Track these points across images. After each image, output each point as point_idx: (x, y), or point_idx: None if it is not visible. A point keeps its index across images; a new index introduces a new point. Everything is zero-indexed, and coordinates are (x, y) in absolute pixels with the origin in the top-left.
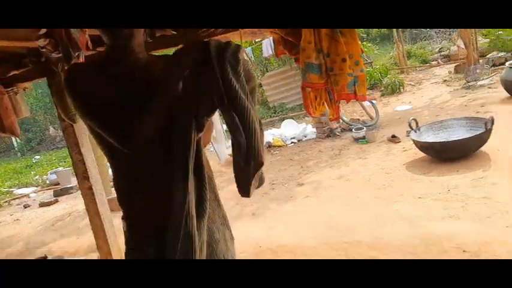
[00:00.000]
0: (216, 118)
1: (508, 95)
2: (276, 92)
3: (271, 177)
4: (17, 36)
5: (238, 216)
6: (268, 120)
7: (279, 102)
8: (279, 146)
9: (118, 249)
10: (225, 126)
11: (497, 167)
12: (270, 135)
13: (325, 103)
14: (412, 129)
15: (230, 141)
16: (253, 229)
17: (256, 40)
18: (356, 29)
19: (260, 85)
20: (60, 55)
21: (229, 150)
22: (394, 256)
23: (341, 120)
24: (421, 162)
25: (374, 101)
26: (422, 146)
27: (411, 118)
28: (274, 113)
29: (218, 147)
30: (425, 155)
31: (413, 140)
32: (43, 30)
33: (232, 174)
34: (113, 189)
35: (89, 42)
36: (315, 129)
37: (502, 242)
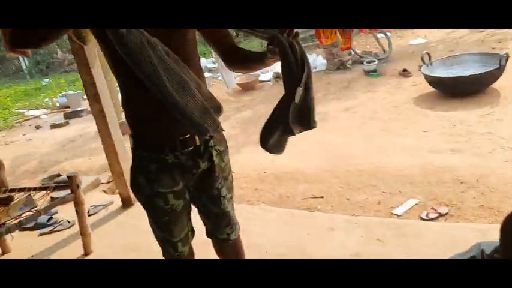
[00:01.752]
0: None
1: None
2: None
3: None
4: None
5: (245, 144)
6: None
7: None
8: None
9: (128, 169)
10: None
11: (505, 103)
12: (277, 66)
13: (337, 32)
14: (425, 63)
15: None
16: (258, 156)
17: None
18: None
19: None
20: None
21: (238, 79)
22: (393, 184)
23: (352, 52)
24: (430, 97)
25: (388, 34)
26: (433, 81)
27: (424, 52)
28: None
29: (226, 75)
30: (434, 90)
31: (425, 75)
32: None
33: (240, 104)
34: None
35: None
36: (325, 61)
37: (500, 174)
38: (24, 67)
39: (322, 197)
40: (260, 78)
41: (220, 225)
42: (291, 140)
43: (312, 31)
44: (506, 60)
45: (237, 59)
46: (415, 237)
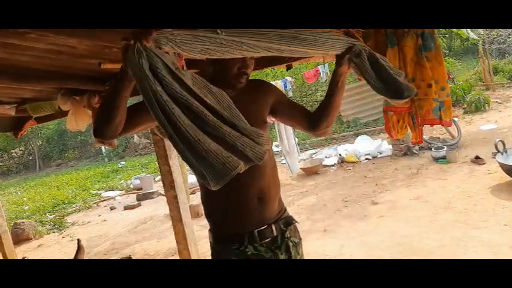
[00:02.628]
0: (290, 131)
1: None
2: (350, 106)
3: (344, 193)
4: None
5: (310, 231)
6: (342, 135)
7: (352, 117)
8: (353, 162)
9: (197, 255)
10: (297, 139)
11: None
12: (343, 151)
13: (407, 126)
14: (499, 151)
15: (301, 154)
16: (325, 245)
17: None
18: (441, 53)
19: None
20: None
21: (301, 164)
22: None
23: None
24: (508, 186)
25: (456, 119)
26: (510, 170)
27: (498, 140)
28: (348, 127)
29: (290, 159)
30: None
31: (500, 163)
32: None
33: (303, 189)
34: (192, 196)
35: (185, 67)
36: (390, 146)
37: None
38: (103, 150)
39: None
40: (324, 163)
41: None
42: (361, 229)
43: (376, 116)
44: None
45: (318, 117)
46: None
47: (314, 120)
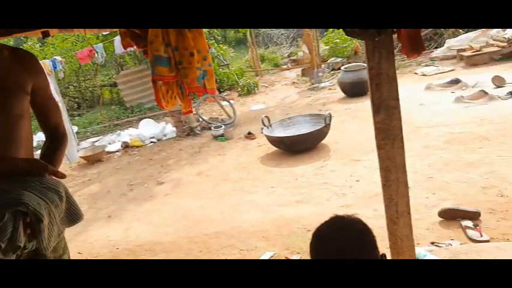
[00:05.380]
0: (65, 118)
1: (344, 95)
2: (132, 91)
3: (129, 178)
4: None
5: (93, 220)
6: (126, 121)
7: (136, 102)
8: (138, 146)
9: None
10: (75, 128)
11: (335, 156)
12: (127, 136)
13: (176, 97)
14: (265, 125)
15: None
16: (109, 231)
17: (104, 33)
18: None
19: (115, 84)
20: None
21: (82, 152)
22: (250, 241)
23: (200, 119)
24: (273, 155)
25: (232, 101)
26: (274, 141)
27: (263, 116)
28: (132, 113)
29: (68, 148)
30: (277, 148)
31: (266, 136)
32: None
33: (85, 178)
34: None
35: None
36: (174, 128)
37: None
38: None
39: None
40: (107, 150)
41: None
42: (146, 210)
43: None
44: (330, 119)
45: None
46: None
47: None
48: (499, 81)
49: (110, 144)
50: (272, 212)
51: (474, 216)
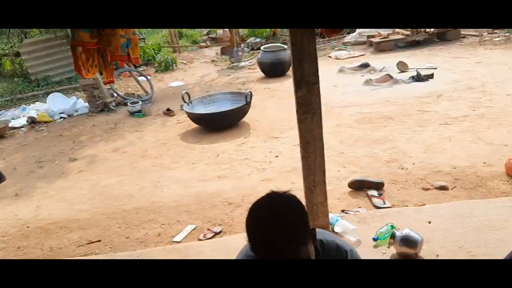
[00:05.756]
0: None
1: (263, 74)
2: (38, 62)
3: (37, 154)
4: None
5: None
6: (31, 95)
7: (43, 75)
8: (46, 122)
9: None
10: None
11: (255, 133)
12: (33, 111)
13: (97, 65)
14: (185, 102)
15: None
16: (18, 210)
17: None
18: None
19: (18, 54)
20: None
21: None
22: (171, 215)
23: (115, 94)
24: (194, 132)
25: (149, 77)
26: (195, 117)
27: (184, 92)
28: (38, 86)
29: None
30: (197, 126)
31: (187, 112)
32: None
33: None
34: None
35: None
36: (87, 104)
37: (259, 192)
38: None
39: (99, 240)
40: (11, 125)
41: None
42: (59, 187)
43: (69, 74)
44: (251, 97)
45: None
46: (196, 256)
47: None
48: (402, 67)
49: (13, 119)
50: (193, 187)
51: (378, 186)
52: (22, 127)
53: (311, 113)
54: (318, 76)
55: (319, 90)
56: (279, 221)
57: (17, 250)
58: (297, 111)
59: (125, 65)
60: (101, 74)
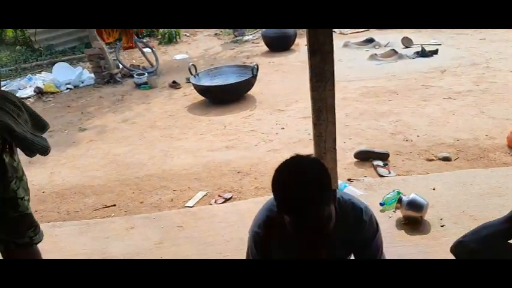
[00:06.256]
0: None
1: (267, 48)
2: (41, 30)
3: None
4: None
5: None
6: (35, 64)
7: (46, 44)
8: (53, 93)
9: None
10: None
11: (261, 106)
12: (39, 81)
13: (118, 30)
14: (192, 74)
15: None
16: (32, 176)
17: None
18: None
19: None
20: None
21: None
22: (183, 183)
23: (121, 66)
24: (200, 105)
25: (154, 49)
26: (202, 89)
27: (191, 63)
28: (41, 55)
29: None
30: (204, 98)
31: (194, 84)
32: None
33: None
34: None
35: None
36: (93, 75)
37: (266, 162)
38: None
39: (114, 205)
40: (18, 95)
41: (20, 229)
42: (71, 155)
43: (73, 43)
44: (257, 70)
45: None
46: (209, 218)
47: None
48: (407, 42)
49: (20, 89)
50: (202, 156)
51: (384, 157)
52: (29, 97)
53: (324, 81)
54: (332, 45)
55: (333, 59)
56: (304, 182)
57: (35, 214)
58: (311, 79)
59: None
60: (120, 40)
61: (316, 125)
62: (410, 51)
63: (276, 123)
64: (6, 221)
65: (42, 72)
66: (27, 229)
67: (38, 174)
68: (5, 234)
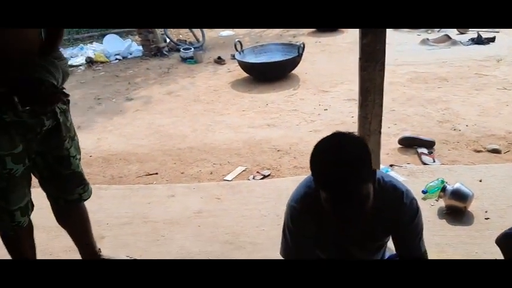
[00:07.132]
0: None
1: (314, 28)
2: None
3: (96, 92)
4: None
5: None
6: (87, 35)
7: None
8: (102, 62)
9: None
10: None
11: (304, 86)
12: (90, 51)
13: None
14: (237, 50)
15: None
16: (80, 142)
17: None
18: None
19: None
20: None
21: None
22: (222, 157)
23: (168, 40)
24: (244, 81)
25: None
26: (246, 66)
27: (236, 40)
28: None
29: None
30: (248, 75)
31: (238, 61)
32: None
33: None
34: None
35: None
36: (141, 47)
37: (306, 142)
38: None
39: (156, 173)
40: (70, 63)
41: (71, 186)
42: (117, 123)
43: None
44: (303, 49)
45: None
46: (248, 193)
47: None
48: (462, 28)
49: (72, 57)
50: (243, 132)
51: (429, 144)
52: (80, 65)
53: (375, 61)
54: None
55: (385, 38)
56: (342, 157)
57: None
58: (360, 58)
59: None
60: None
61: (362, 106)
62: (465, 37)
63: (319, 104)
64: (58, 177)
65: (94, 43)
66: (77, 186)
67: (86, 139)
68: (56, 190)
